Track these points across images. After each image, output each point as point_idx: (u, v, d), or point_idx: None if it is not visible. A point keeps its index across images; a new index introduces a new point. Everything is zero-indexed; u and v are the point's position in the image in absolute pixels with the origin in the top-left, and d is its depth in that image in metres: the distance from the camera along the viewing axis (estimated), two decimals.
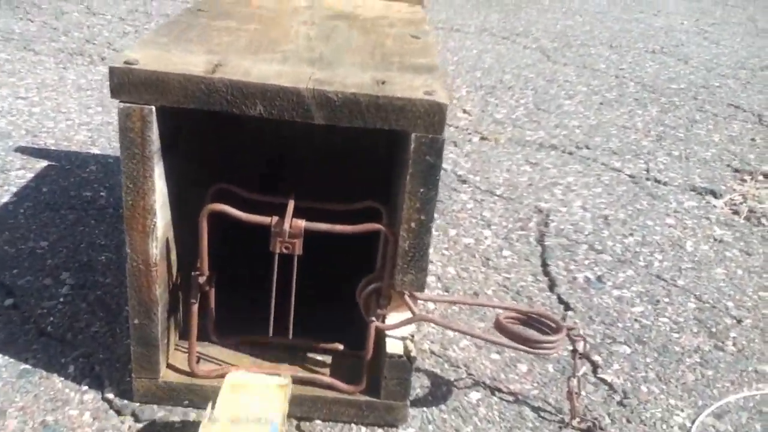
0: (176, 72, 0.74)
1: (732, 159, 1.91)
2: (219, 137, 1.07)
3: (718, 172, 1.81)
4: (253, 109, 0.76)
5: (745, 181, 1.79)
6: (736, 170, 1.84)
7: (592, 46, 2.99)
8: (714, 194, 1.69)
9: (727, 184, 1.75)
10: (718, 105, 2.36)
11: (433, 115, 0.76)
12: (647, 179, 1.74)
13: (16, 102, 1.86)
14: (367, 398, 0.88)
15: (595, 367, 1.04)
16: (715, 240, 1.47)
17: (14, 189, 1.41)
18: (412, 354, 0.85)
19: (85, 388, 0.92)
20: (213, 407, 0.79)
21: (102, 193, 1.42)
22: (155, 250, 0.81)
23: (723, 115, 2.26)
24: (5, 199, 1.36)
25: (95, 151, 1.61)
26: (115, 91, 0.75)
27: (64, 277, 1.13)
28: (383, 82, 0.79)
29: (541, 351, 0.87)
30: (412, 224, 0.80)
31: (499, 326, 0.88)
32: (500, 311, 0.92)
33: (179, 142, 0.87)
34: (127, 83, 0.74)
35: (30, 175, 1.47)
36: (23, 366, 0.94)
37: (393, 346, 0.86)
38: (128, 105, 0.75)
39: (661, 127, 2.12)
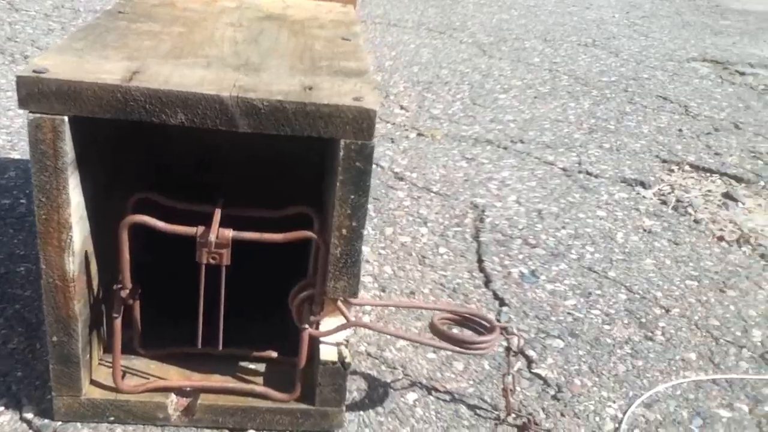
0: (90, 81, 0.72)
1: (660, 150, 1.97)
2: (139, 144, 1.04)
3: (647, 163, 1.87)
4: (174, 118, 0.74)
5: (672, 171, 1.84)
6: (664, 161, 1.90)
7: (526, 40, 3.03)
8: (643, 185, 1.74)
9: (655, 174, 1.81)
10: (647, 97, 2.42)
11: (362, 122, 0.75)
12: (579, 172, 1.78)
13: None
14: (302, 406, 0.87)
15: (529, 362, 1.06)
16: (645, 231, 1.51)
17: None
18: (347, 360, 0.85)
19: (1, 408, 0.88)
20: None
21: (22, 200, 1.36)
22: (72, 265, 0.77)
23: (652, 107, 2.32)
24: None
25: (15, 155, 1.55)
26: (24, 102, 0.72)
27: None
28: (311, 88, 0.78)
29: (475, 351, 0.87)
30: (344, 231, 0.79)
31: (434, 329, 0.89)
32: (436, 313, 0.92)
33: (95, 151, 0.84)
34: (36, 93, 0.71)
35: None
36: None
37: (327, 353, 0.85)
38: (39, 116, 0.72)
39: (593, 119, 2.17)
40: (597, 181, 1.73)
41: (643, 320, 1.20)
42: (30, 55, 2.21)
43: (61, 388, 0.83)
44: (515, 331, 0.94)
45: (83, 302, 0.81)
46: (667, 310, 1.23)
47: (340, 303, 0.84)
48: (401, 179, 1.64)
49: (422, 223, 1.44)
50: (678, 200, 1.67)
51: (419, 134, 1.93)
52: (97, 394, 0.85)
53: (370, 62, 0.92)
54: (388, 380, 0.99)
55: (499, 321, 1.09)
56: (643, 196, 1.68)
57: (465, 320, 0.93)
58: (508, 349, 0.93)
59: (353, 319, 0.85)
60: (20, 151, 1.57)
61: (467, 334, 0.90)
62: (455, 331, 0.90)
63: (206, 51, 0.87)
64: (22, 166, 1.49)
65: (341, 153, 0.76)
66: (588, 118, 2.17)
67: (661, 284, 1.31)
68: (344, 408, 0.88)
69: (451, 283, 1.24)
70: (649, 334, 1.16)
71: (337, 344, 0.86)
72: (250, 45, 0.92)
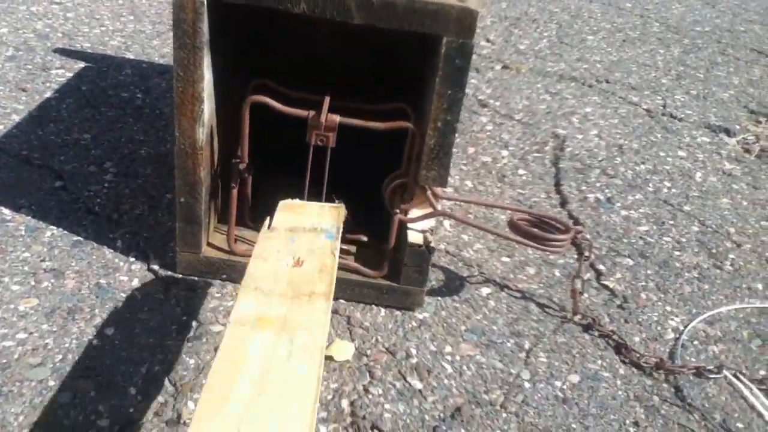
0: None
1: (749, 101, 1.94)
2: (257, 35, 1.12)
3: (733, 113, 1.85)
4: (297, 7, 0.82)
5: (760, 122, 1.82)
6: (752, 112, 1.87)
7: None
8: (728, 132, 1.73)
9: (741, 124, 1.79)
10: (741, 49, 2.36)
11: (465, 21, 0.81)
12: (663, 114, 1.78)
13: (51, 6, 1.90)
14: (388, 283, 0.96)
15: (598, 274, 1.12)
16: (724, 173, 1.52)
17: (55, 86, 1.47)
18: (431, 245, 0.93)
19: (132, 259, 1.01)
20: (270, 223, 0.80)
21: (138, 95, 1.48)
22: (202, 135, 0.88)
23: (745, 59, 2.27)
24: (48, 94, 1.43)
25: (129, 56, 1.67)
26: None
27: (107, 166, 1.22)
28: None
29: (550, 248, 0.94)
30: (439, 123, 0.86)
31: (512, 225, 0.96)
32: (514, 213, 0.99)
33: (224, 37, 0.93)
34: None
35: (69, 74, 1.53)
36: (75, 238, 1.04)
37: (414, 237, 0.93)
38: None
39: (681, 66, 2.14)
40: (680, 125, 1.74)
41: (714, 251, 1.23)
42: None
43: (184, 245, 0.95)
44: (588, 237, 0.99)
45: (207, 170, 0.92)
46: (739, 245, 1.26)
47: (428, 194, 0.92)
48: (485, 106, 1.69)
49: (503, 146, 1.50)
50: (762, 150, 1.67)
51: (504, 66, 1.96)
52: (213, 254, 0.97)
53: None
54: (465, 275, 1.08)
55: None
56: (726, 143, 1.68)
57: (541, 223, 0.99)
58: (579, 254, 1.00)
59: (440, 208, 0.93)
60: (134, 53, 1.69)
61: (543, 233, 0.97)
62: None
63: None
64: (137, 66, 1.62)
65: (443, 49, 0.82)
66: (676, 65, 2.15)
67: (736, 222, 1.34)
68: (425, 289, 0.97)
69: (529, 200, 1.30)
70: (718, 263, 1.20)
71: (423, 231, 0.94)
72: None
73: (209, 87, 0.88)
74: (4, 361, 0.83)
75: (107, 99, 1.45)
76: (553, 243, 0.93)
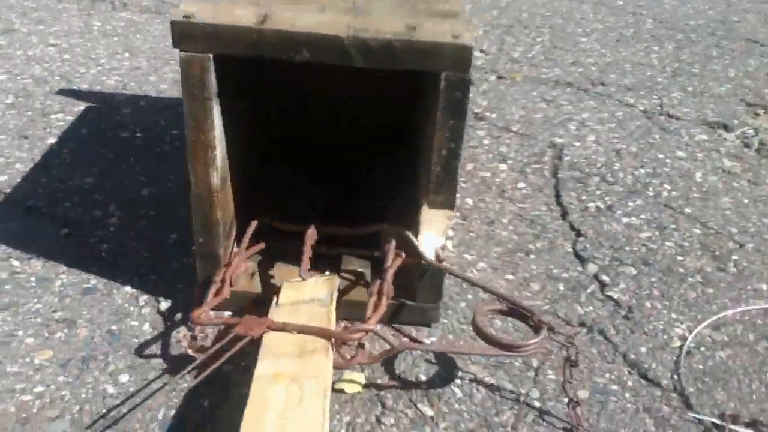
0: (231, 24, 0.83)
1: (746, 94, 1.95)
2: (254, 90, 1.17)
3: (731, 107, 1.86)
4: (300, 56, 0.85)
5: (758, 115, 1.83)
6: (750, 104, 1.88)
7: None
8: (726, 128, 1.74)
9: (739, 118, 1.80)
10: (735, 40, 2.37)
11: (461, 56, 0.85)
12: (660, 114, 1.80)
13: (47, 49, 1.93)
14: (404, 301, 1.01)
15: (602, 285, 1.14)
16: (724, 171, 1.54)
17: (57, 131, 1.50)
18: (444, 261, 0.98)
19: (142, 303, 1.04)
20: (277, 302, 0.94)
21: (138, 134, 1.51)
22: (216, 179, 0.92)
23: (740, 51, 2.28)
24: (50, 140, 1.46)
25: (127, 94, 1.70)
26: (177, 42, 0.84)
27: (111, 210, 1.24)
28: (414, 28, 0.87)
29: (521, 354, 0.89)
30: (443, 151, 0.90)
31: (475, 327, 0.90)
32: (479, 305, 0.94)
33: (228, 90, 0.96)
34: (187, 35, 0.83)
35: (69, 118, 1.56)
36: (85, 285, 1.07)
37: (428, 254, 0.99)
38: (189, 54, 0.84)
39: (676, 63, 2.15)
40: (678, 123, 1.75)
41: (717, 253, 1.25)
42: (128, 2, 2.35)
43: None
44: (564, 332, 0.92)
45: (222, 212, 0.96)
46: (741, 245, 1.28)
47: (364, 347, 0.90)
48: (481, 119, 1.71)
49: (502, 160, 1.52)
50: (762, 143, 1.67)
51: (499, 77, 1.98)
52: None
53: (463, 4, 1.00)
54: (469, 296, 1.09)
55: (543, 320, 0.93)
56: (725, 139, 1.69)
57: (512, 312, 0.94)
58: (566, 359, 0.92)
59: (396, 344, 0.90)
60: (131, 90, 1.72)
61: (509, 338, 0.96)
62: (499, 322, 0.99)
63: None
64: (134, 104, 1.64)
65: (442, 84, 0.86)
66: (671, 62, 2.16)
67: (738, 221, 1.35)
68: (440, 306, 1.02)
69: (529, 214, 1.32)
70: (722, 265, 1.21)
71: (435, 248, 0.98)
72: None
73: (220, 134, 0.92)
74: (24, 415, 0.85)
75: (107, 141, 1.47)
76: (525, 349, 0.87)
